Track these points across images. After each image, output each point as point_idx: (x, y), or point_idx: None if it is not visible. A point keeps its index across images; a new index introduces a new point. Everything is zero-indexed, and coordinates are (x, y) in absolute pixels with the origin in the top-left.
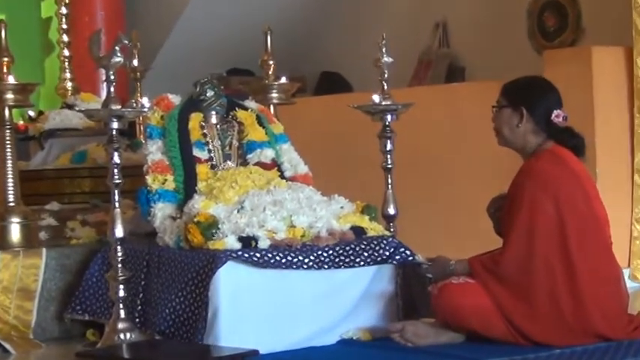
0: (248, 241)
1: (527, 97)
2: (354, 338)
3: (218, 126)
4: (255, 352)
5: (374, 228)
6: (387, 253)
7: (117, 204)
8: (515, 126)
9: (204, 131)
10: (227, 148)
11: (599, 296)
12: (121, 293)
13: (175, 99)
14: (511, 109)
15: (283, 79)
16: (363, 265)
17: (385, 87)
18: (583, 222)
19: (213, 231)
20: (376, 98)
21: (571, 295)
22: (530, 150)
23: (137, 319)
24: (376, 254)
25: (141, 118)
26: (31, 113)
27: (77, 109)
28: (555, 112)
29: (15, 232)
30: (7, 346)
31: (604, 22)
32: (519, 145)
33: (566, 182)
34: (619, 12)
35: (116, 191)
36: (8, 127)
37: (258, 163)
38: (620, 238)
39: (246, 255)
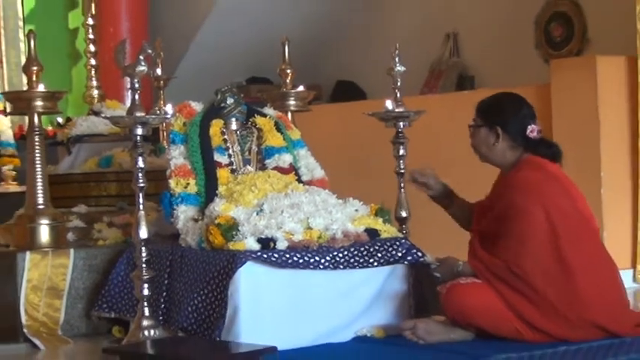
0: (267, 243)
1: (501, 116)
2: (368, 335)
3: (238, 132)
4: (273, 349)
5: (387, 230)
6: (400, 254)
7: (141, 206)
8: (492, 144)
9: (225, 137)
10: (247, 153)
11: (600, 293)
12: (146, 292)
13: (197, 106)
14: (487, 128)
15: (300, 88)
16: (377, 266)
17: (398, 95)
18: (571, 221)
19: (234, 232)
20: (389, 105)
21: (569, 292)
22: (509, 164)
23: (161, 317)
24: (389, 255)
25: (164, 125)
26: (60, 120)
27: (103, 115)
28: (530, 127)
29: (44, 234)
30: (37, 341)
31: (609, 32)
32: (498, 161)
33: (549, 185)
34: (623, 23)
35: (141, 194)
36: (38, 132)
37: (277, 168)
38: (623, 240)
39: (265, 255)
